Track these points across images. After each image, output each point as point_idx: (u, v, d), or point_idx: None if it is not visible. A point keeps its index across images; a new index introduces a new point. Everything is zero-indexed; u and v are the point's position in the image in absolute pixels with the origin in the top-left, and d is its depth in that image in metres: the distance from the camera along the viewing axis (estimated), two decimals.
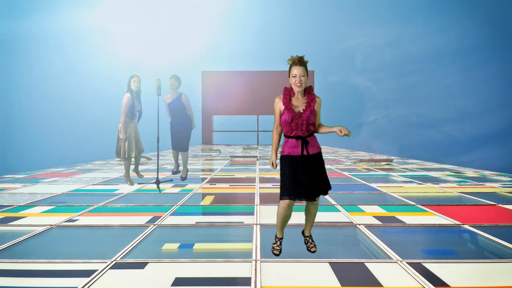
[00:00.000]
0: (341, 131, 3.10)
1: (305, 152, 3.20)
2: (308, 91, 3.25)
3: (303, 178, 3.20)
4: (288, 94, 3.24)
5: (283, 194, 3.22)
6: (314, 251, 3.52)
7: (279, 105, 3.25)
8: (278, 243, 3.51)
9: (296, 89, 3.19)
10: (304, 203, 3.37)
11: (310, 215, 3.45)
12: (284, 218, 3.36)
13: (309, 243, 3.55)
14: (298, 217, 5.07)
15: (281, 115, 3.24)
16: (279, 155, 3.37)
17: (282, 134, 3.31)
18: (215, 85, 35.40)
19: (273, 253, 3.51)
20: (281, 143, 3.36)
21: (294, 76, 3.16)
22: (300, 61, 3.17)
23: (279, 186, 3.33)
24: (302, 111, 3.18)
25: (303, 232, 3.62)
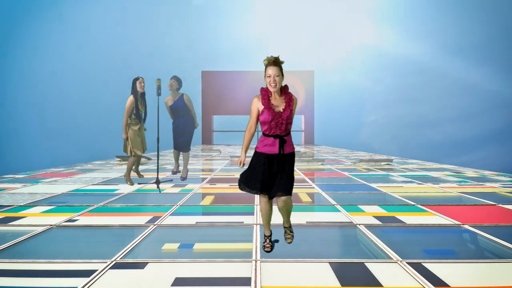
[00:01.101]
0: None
1: (281, 151, 3.28)
2: (284, 90, 3.32)
3: (274, 175, 3.32)
4: (266, 94, 3.30)
5: (249, 188, 3.47)
6: (290, 242, 3.66)
7: (257, 105, 3.32)
8: (268, 240, 3.65)
9: (271, 89, 3.25)
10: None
11: (281, 211, 3.55)
12: (267, 215, 3.51)
13: (285, 233, 3.72)
14: (296, 217, 5.07)
15: (258, 115, 3.31)
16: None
17: (258, 134, 3.43)
18: (215, 85, 35.42)
19: (265, 251, 3.62)
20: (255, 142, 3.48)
21: (269, 76, 3.23)
22: (275, 62, 3.24)
23: None
24: (282, 111, 3.26)
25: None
